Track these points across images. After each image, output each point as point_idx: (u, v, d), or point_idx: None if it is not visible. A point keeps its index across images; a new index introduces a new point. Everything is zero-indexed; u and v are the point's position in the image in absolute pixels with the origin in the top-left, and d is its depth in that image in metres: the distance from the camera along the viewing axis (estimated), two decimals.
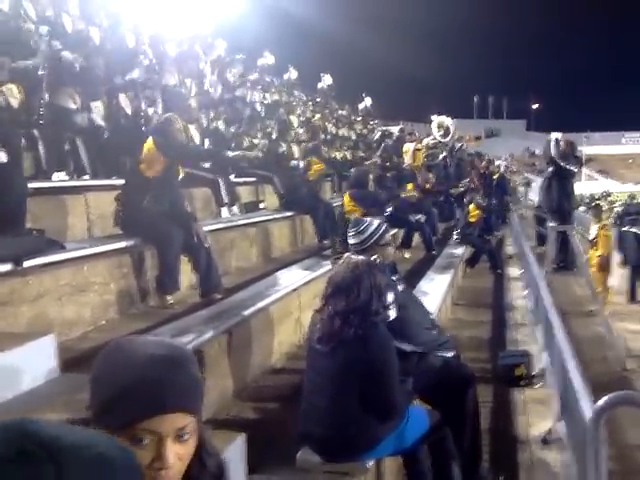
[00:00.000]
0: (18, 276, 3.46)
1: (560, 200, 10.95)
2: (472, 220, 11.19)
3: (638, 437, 4.62)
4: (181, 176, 5.08)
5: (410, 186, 10.66)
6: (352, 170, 8.91)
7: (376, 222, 3.71)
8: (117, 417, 0.98)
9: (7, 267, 3.44)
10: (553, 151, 10.94)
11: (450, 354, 3.50)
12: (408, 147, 14.04)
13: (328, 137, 13.14)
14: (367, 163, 11.83)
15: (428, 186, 11.26)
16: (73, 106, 5.94)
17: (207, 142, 7.74)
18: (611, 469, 3.42)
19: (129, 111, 6.94)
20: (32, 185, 4.36)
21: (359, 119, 19.27)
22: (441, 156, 14.60)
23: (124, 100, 6.87)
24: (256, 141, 9.26)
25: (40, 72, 5.49)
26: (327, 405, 2.80)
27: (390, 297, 3.05)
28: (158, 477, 0.99)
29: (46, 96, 5.56)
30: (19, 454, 0.60)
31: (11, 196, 3.86)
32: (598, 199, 28.88)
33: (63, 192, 5.09)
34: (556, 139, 11.00)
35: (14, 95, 5.18)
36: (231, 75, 11.56)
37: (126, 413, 0.97)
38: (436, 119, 15.53)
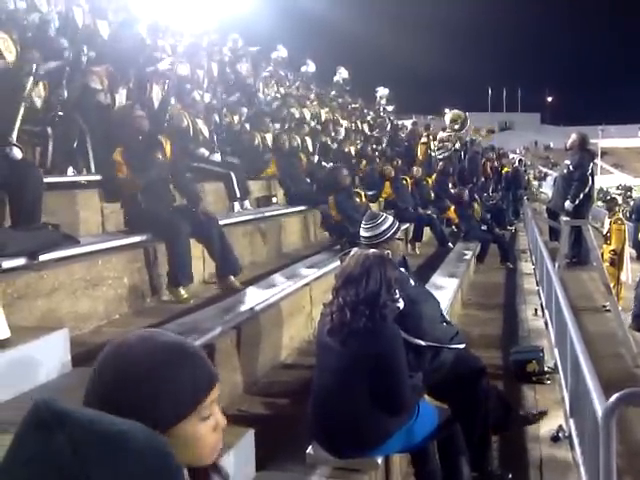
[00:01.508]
0: (33, 270, 3.50)
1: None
2: (453, 220, 11.15)
3: None
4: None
5: (387, 185, 10.29)
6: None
7: (390, 218, 3.70)
8: (183, 402, 1.03)
9: (22, 261, 3.48)
10: None
11: (462, 346, 3.50)
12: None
13: (342, 131, 13.05)
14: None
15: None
16: (99, 87, 5.91)
17: (216, 138, 7.69)
18: (621, 467, 3.42)
19: (157, 104, 6.75)
20: (47, 180, 4.38)
21: (372, 113, 19.16)
22: (452, 149, 14.54)
23: (156, 90, 6.71)
24: (267, 135, 9.21)
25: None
26: (336, 400, 2.81)
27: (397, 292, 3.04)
28: (219, 442, 1.11)
29: (65, 93, 5.55)
30: (37, 424, 0.70)
31: (27, 191, 3.89)
32: (606, 192, 28.62)
33: (77, 187, 5.12)
34: None
35: (39, 94, 5.18)
36: (243, 68, 11.53)
37: (193, 393, 1.04)
38: (449, 112, 15.44)
